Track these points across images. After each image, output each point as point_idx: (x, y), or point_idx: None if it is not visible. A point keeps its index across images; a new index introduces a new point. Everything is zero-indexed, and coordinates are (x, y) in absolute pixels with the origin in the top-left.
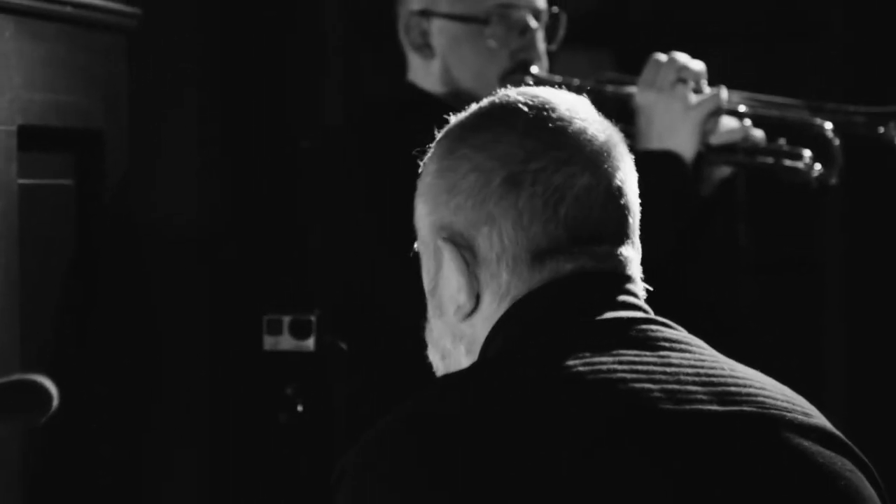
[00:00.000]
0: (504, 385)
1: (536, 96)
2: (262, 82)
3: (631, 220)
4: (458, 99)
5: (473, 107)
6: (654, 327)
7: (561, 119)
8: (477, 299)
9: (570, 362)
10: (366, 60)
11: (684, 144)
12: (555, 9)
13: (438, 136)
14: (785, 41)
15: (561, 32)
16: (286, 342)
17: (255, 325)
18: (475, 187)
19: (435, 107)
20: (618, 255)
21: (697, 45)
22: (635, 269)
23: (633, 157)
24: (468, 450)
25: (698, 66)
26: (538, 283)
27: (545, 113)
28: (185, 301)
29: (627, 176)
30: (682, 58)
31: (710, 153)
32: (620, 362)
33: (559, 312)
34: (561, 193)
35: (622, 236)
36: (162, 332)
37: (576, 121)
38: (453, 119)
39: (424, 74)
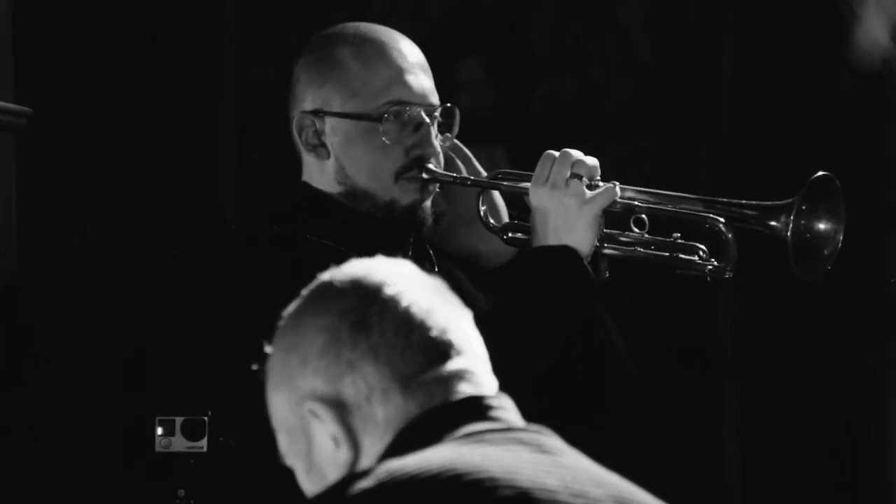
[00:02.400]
0: (403, 481)
1: (353, 267)
2: (153, 184)
3: (475, 341)
4: (354, 198)
5: (295, 300)
6: (539, 437)
7: (383, 275)
8: (356, 448)
9: (468, 458)
10: (260, 163)
11: (581, 240)
12: (448, 104)
13: (276, 333)
14: (677, 139)
15: (455, 128)
16: (179, 443)
17: (148, 426)
18: (326, 345)
19: (331, 206)
20: (478, 368)
21: (593, 142)
22: (492, 378)
23: (531, 253)
24: None
25: (591, 161)
26: (416, 408)
27: (364, 273)
28: (75, 402)
29: (462, 310)
30: (575, 153)
31: (607, 248)
32: (517, 460)
33: (444, 430)
34: (408, 323)
35: (472, 350)
36: (51, 433)
37: (395, 274)
38: (283, 315)
39: (319, 174)
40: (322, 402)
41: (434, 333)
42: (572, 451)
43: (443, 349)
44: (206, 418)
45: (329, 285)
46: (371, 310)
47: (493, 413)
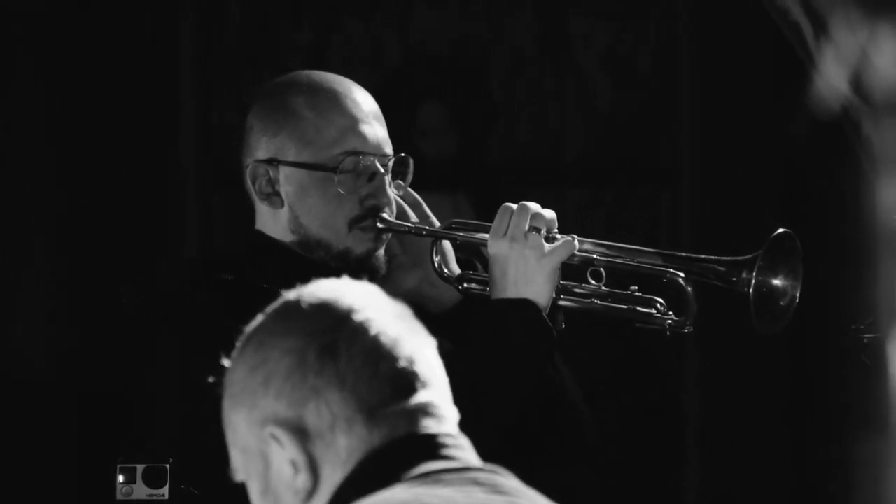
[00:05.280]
0: None
1: (322, 289)
2: (113, 227)
3: (439, 371)
4: (308, 247)
5: (262, 314)
6: (495, 477)
7: (351, 299)
8: (316, 476)
9: (424, 500)
10: (219, 206)
11: (540, 292)
12: (402, 154)
13: (237, 348)
14: (635, 185)
15: (409, 176)
16: (140, 491)
17: (109, 473)
18: (291, 368)
19: (284, 255)
20: (441, 401)
21: (552, 188)
22: (453, 409)
23: (491, 306)
24: None
25: (549, 213)
26: (379, 440)
27: (332, 296)
28: (35, 449)
29: (427, 339)
30: (533, 206)
31: (564, 300)
32: (472, 502)
33: (402, 468)
34: (376, 352)
35: (437, 381)
36: (10, 483)
37: (364, 299)
38: (246, 329)
39: (273, 223)
40: (283, 427)
41: (401, 364)
42: (528, 491)
43: (409, 381)
44: (167, 465)
45: (296, 305)
46: (340, 335)
47: (450, 451)
